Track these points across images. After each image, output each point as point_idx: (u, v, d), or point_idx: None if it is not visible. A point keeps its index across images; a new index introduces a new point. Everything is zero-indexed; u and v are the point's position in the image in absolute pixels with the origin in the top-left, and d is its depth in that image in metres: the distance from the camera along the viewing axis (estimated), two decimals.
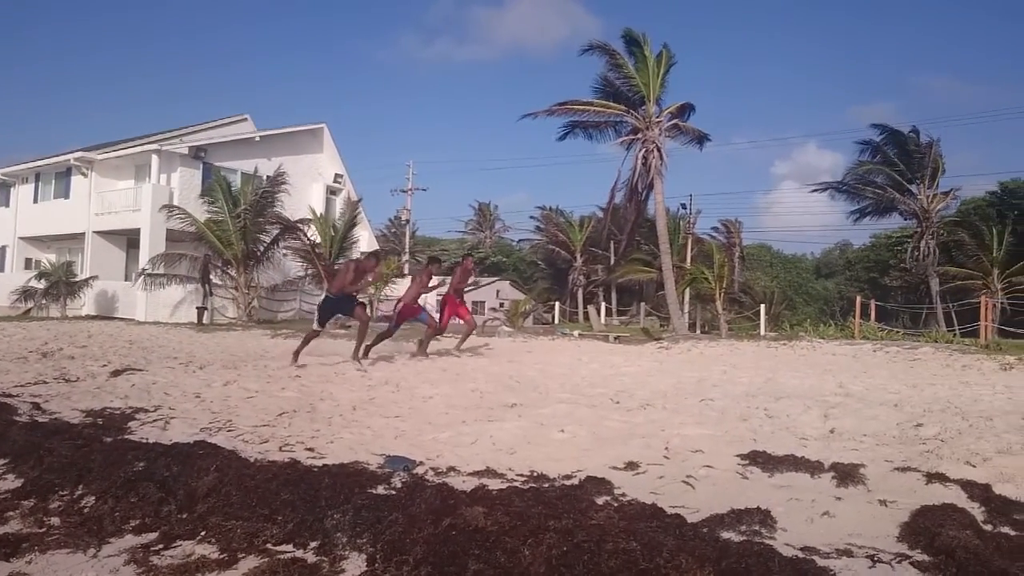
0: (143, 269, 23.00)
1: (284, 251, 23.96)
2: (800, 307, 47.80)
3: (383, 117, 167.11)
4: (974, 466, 4.05)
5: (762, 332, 19.82)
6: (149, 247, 24.60)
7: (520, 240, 60.79)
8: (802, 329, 20.06)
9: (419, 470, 3.88)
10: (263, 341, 14.72)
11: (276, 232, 23.15)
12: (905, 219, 32.65)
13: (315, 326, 9.81)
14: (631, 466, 4.08)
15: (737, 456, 4.26)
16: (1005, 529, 3.17)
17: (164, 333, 16.36)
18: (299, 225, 22.47)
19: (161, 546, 2.73)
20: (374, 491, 3.34)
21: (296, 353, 9.29)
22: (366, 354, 10.08)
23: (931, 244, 29.50)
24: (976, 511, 3.36)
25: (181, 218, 23.14)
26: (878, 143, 29.83)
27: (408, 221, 48.38)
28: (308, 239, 21.96)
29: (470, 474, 3.84)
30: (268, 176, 24.19)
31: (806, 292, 55.32)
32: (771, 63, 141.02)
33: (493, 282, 49.56)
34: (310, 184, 30.44)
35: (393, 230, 57.05)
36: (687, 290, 30.83)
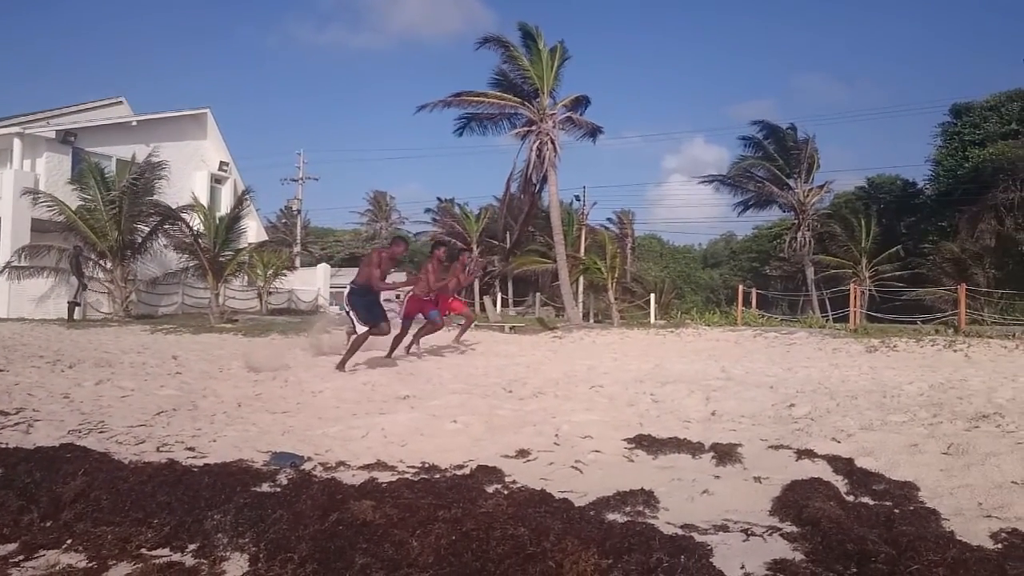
0: (8, 262, 21.32)
1: (165, 242, 22.74)
2: (688, 296, 49.69)
3: (273, 104, 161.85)
4: (839, 442, 4.34)
5: (652, 320, 20.49)
6: (12, 238, 22.82)
7: (418, 233, 60.31)
8: (689, 317, 20.89)
9: (307, 466, 3.79)
10: (142, 337, 13.95)
11: (155, 222, 21.93)
12: (784, 211, 34.55)
13: (358, 328, 8.26)
14: (522, 454, 4.13)
15: (624, 440, 4.39)
16: (865, 499, 3.41)
17: (30, 330, 15.22)
18: (180, 214, 21.35)
19: (22, 557, 2.55)
20: (258, 489, 3.24)
21: (343, 363, 8.14)
22: (389, 353, 9.24)
23: (807, 235, 31.34)
24: (840, 483, 3.60)
25: (48, 206, 21.56)
26: (759, 139, 31.42)
27: (299, 211, 47.07)
28: (191, 229, 20.91)
29: (360, 468, 3.78)
30: (146, 162, 22.88)
31: (694, 281, 57.54)
32: (660, 61, 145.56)
33: (389, 274, 48.94)
34: (193, 172, 29.06)
35: (284, 221, 55.31)
36: (581, 280, 31.47)
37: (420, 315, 10.13)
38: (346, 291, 8.73)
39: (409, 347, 10.17)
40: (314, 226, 62.53)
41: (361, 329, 8.23)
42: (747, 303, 21.37)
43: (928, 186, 36.48)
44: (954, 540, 2.81)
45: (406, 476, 3.61)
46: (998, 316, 21.92)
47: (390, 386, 6.67)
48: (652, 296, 22.55)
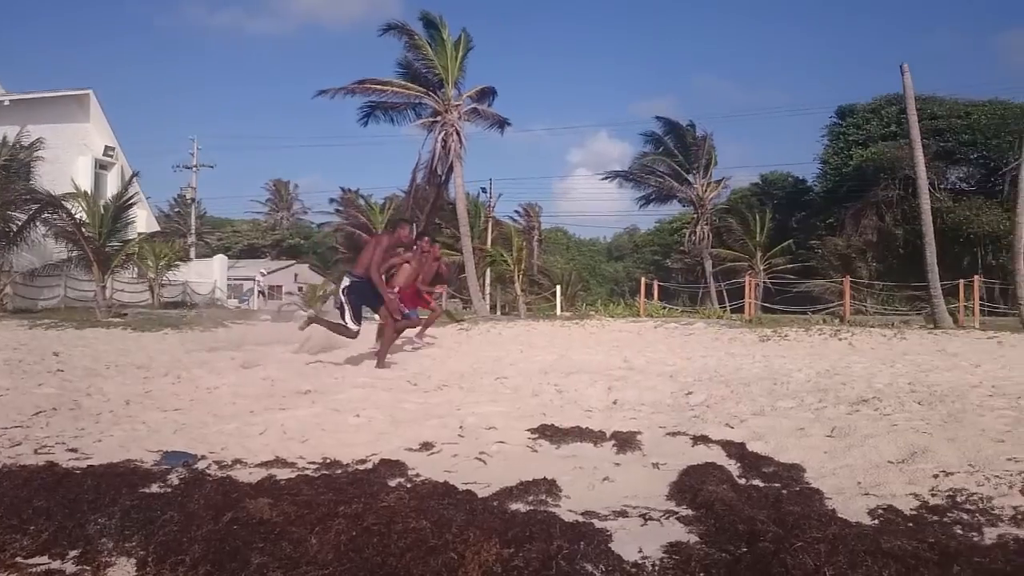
0: None
1: (44, 231, 21.25)
2: (594, 288, 50.64)
3: (164, 88, 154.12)
4: (733, 428, 4.52)
5: (558, 312, 20.77)
6: None
7: (321, 224, 58.92)
8: (594, 309, 21.29)
9: (201, 465, 3.64)
10: (18, 333, 13.05)
11: (32, 209, 20.46)
12: (684, 206, 35.72)
13: (350, 324, 7.60)
14: (426, 446, 4.11)
15: (528, 431, 4.43)
16: (756, 481, 3.56)
17: None
18: (61, 201, 19.97)
19: None
20: (147, 490, 3.09)
21: (382, 365, 7.59)
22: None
23: (706, 229, 32.50)
24: (733, 467, 3.75)
25: None
26: (660, 135, 32.34)
27: (194, 200, 45.14)
28: (73, 217, 19.62)
29: (257, 465, 3.67)
30: (21, 144, 21.28)
31: (599, 274, 58.72)
32: (566, 55, 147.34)
33: (291, 265, 47.72)
34: (76, 157, 27.28)
35: (177, 210, 52.95)
36: (488, 272, 31.58)
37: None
38: (344, 283, 7.84)
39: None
40: (210, 216, 60.16)
41: (351, 326, 7.64)
42: (649, 295, 21.98)
43: (816, 183, 38.47)
44: (835, 517, 2.97)
45: (306, 472, 3.53)
46: (880, 306, 23.40)
47: (291, 381, 6.49)
48: (558, 288, 22.86)
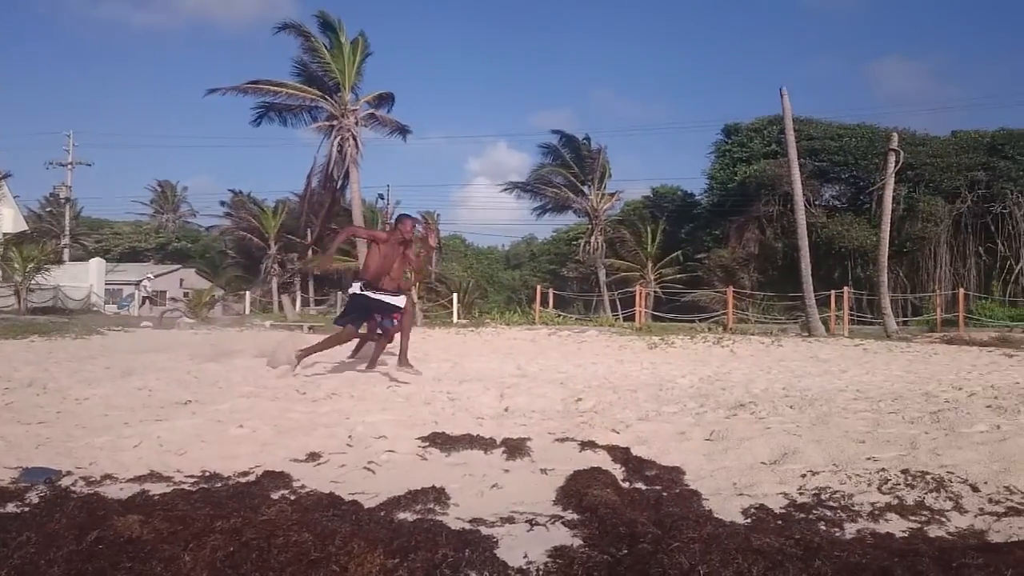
0: None
1: None
2: (492, 295, 50.79)
3: (39, 80, 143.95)
4: (619, 433, 4.65)
5: (455, 319, 20.75)
6: None
7: (210, 226, 56.49)
8: (490, 316, 21.41)
9: (65, 481, 3.41)
10: None
11: None
12: (579, 216, 36.44)
13: (348, 328, 7.35)
14: (313, 457, 4.01)
15: (419, 439, 4.40)
16: (639, 484, 3.67)
17: None
18: None
19: None
20: (2, 510, 2.88)
21: (301, 355, 7.33)
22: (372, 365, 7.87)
23: (600, 240, 33.31)
24: (618, 471, 3.86)
25: None
26: (557, 147, 32.92)
27: (68, 199, 42.40)
28: None
29: (129, 480, 3.48)
30: None
31: (497, 281, 58.98)
32: (467, 64, 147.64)
33: (176, 270, 45.54)
34: None
35: (50, 210, 49.56)
36: None
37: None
38: (354, 288, 7.35)
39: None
40: (87, 216, 56.57)
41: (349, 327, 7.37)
42: (545, 303, 22.31)
43: (704, 198, 40.12)
44: (711, 518, 3.11)
45: (183, 486, 3.38)
46: (760, 315, 24.63)
47: (169, 391, 6.18)
48: (455, 295, 22.84)
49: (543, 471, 3.82)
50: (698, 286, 33.00)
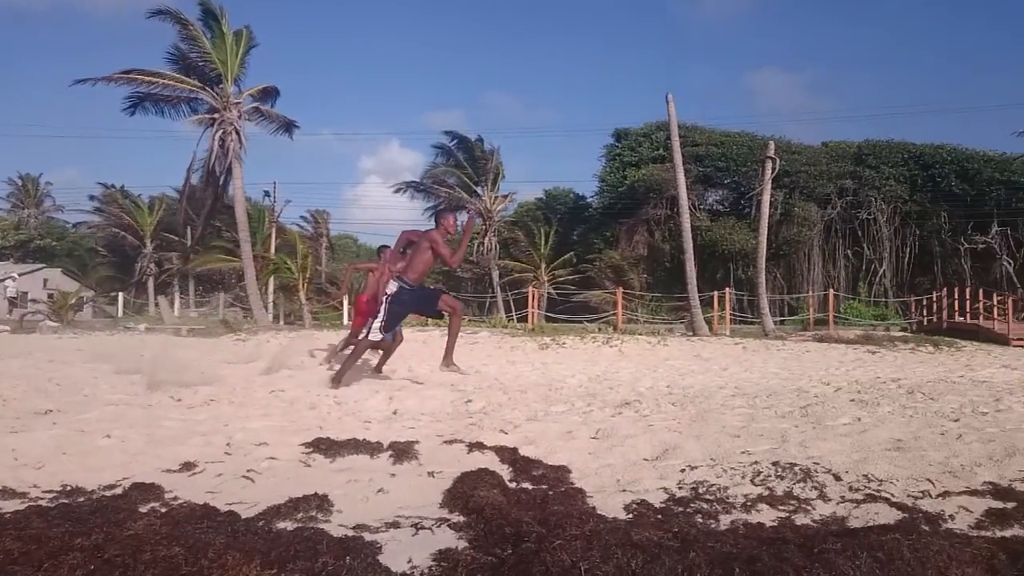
0: None
1: None
2: None
3: None
4: (507, 433, 4.67)
5: (345, 322, 20.31)
6: None
7: (78, 223, 52.87)
8: None
9: None
10: None
11: None
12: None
13: (376, 335, 6.94)
14: (187, 467, 3.82)
15: (302, 445, 4.27)
16: (525, 484, 3.69)
17: None
18: None
19: None
20: None
21: (338, 377, 6.84)
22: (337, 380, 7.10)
23: (494, 240, 33.48)
24: (505, 472, 3.87)
25: None
26: (450, 147, 32.83)
27: None
28: None
29: None
30: None
31: None
32: (358, 62, 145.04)
33: (40, 269, 42.42)
34: None
35: None
36: (272, 281, 30.21)
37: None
38: (392, 289, 6.89)
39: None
40: None
41: (375, 335, 6.96)
42: None
43: (595, 200, 41.02)
44: (594, 514, 3.17)
45: (39, 503, 3.14)
46: (649, 315, 25.41)
47: (27, 400, 5.73)
48: (346, 297, 22.33)
49: (431, 474, 3.79)
50: (590, 287, 33.68)
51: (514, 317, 25.78)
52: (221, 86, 21.52)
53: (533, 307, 21.41)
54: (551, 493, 3.53)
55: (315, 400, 5.92)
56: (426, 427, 4.93)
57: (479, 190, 32.89)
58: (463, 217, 6.81)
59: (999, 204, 30.32)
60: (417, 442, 4.36)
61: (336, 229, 54.03)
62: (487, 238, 32.64)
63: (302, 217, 47.57)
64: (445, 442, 4.44)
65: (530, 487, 3.65)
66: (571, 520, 2.92)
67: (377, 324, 6.92)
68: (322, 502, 3.20)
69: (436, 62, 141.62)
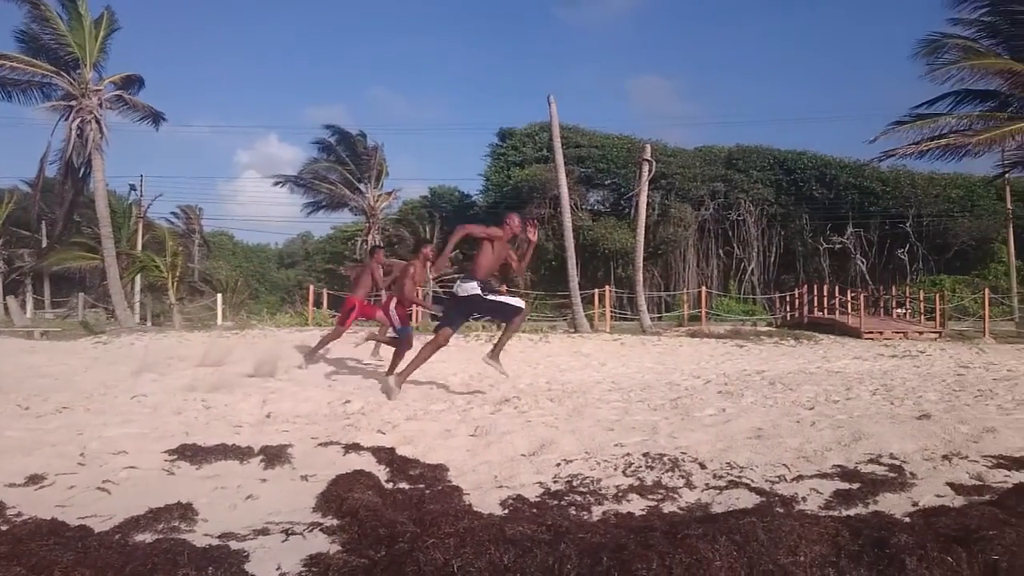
0: None
1: None
2: (263, 296, 48.31)
3: None
4: (385, 433, 4.61)
5: (219, 322, 19.46)
6: None
7: None
8: (258, 318, 20.34)
9: None
10: None
11: None
12: (355, 215, 35.74)
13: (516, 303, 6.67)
14: (34, 480, 3.54)
15: (165, 452, 4.05)
16: (402, 485, 3.66)
17: None
18: None
19: None
20: None
21: (402, 374, 6.67)
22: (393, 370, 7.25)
23: (377, 238, 32.92)
24: (382, 472, 3.82)
25: None
26: (332, 143, 31.95)
27: None
28: None
29: None
30: None
31: (270, 281, 56.19)
32: (232, 53, 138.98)
33: None
34: None
35: None
36: (139, 279, 28.52)
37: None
38: (473, 289, 6.60)
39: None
40: None
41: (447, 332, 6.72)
42: (319, 303, 21.65)
43: (480, 198, 41.24)
44: (470, 511, 3.18)
45: None
46: (533, 313, 25.77)
47: None
48: (219, 296, 21.39)
49: (304, 478, 3.69)
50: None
51: None
52: (79, 72, 19.99)
53: (419, 305, 21.24)
54: (428, 492, 3.51)
55: (181, 405, 5.61)
56: (301, 430, 4.79)
57: (362, 187, 32.22)
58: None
59: (854, 207, 32.82)
60: (291, 445, 4.23)
61: (211, 225, 51.69)
62: (371, 236, 32.04)
63: (172, 213, 45.12)
64: (320, 444, 4.33)
65: (407, 487, 3.62)
66: (446, 518, 2.91)
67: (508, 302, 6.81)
68: (185, 511, 3.06)
69: (317, 55, 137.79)
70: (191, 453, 4.01)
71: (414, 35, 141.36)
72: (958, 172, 32.28)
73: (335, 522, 3.04)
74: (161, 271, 19.28)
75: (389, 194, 33.11)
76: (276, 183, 32.33)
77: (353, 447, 4.21)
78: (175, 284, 19.45)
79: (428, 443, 4.42)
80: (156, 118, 22.13)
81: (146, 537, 2.78)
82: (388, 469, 3.88)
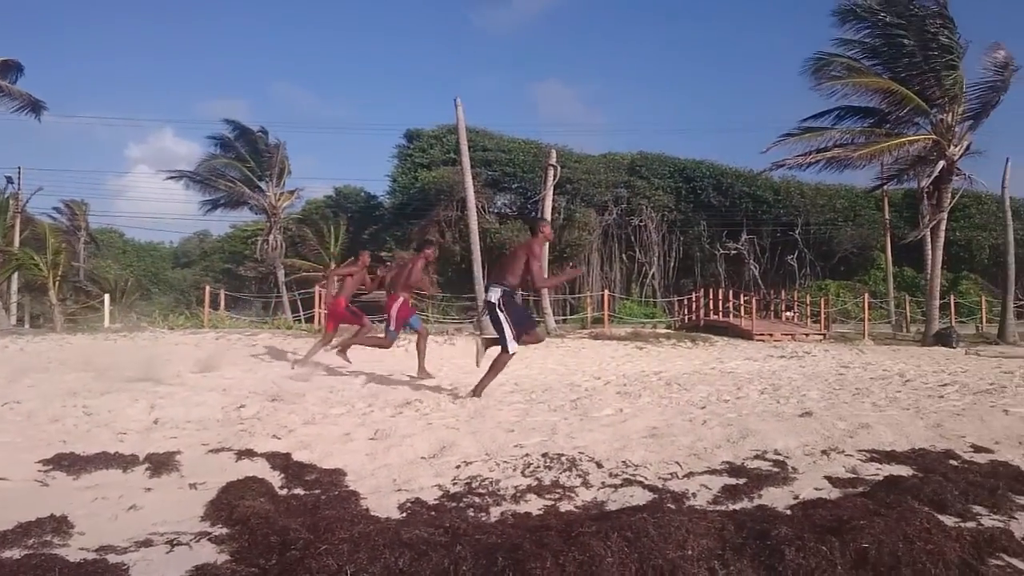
0: None
1: None
2: (156, 296, 46.16)
3: None
4: (280, 439, 4.49)
5: (106, 324, 18.45)
6: None
7: None
8: (149, 320, 19.40)
9: None
10: None
11: None
12: (256, 213, 34.62)
13: (511, 343, 6.44)
14: None
15: (40, 462, 3.81)
16: (298, 491, 3.58)
17: None
18: None
19: None
20: None
21: (480, 387, 6.55)
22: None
23: (279, 238, 32.00)
24: (276, 479, 3.72)
25: None
26: (231, 138, 30.81)
27: None
28: None
29: None
30: None
31: (164, 281, 53.74)
32: (123, 44, 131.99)
33: None
34: None
35: None
36: (15, 278, 26.70)
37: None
38: (493, 296, 6.49)
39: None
40: None
41: (512, 345, 6.48)
42: (216, 304, 20.88)
43: (387, 199, 40.75)
44: (367, 516, 3.14)
45: None
46: (440, 315, 25.67)
47: None
48: (107, 297, 20.27)
49: (192, 486, 3.55)
50: (381, 287, 33.45)
51: (301, 318, 24.87)
52: None
53: (320, 307, 20.81)
54: (324, 498, 3.45)
55: (59, 412, 5.27)
56: (191, 436, 4.59)
57: (263, 185, 31.24)
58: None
59: (748, 215, 34.36)
60: (179, 452, 4.06)
61: (98, 222, 48.95)
62: (272, 235, 31.11)
63: (55, 208, 42.45)
64: (211, 451, 4.17)
65: (302, 493, 3.54)
66: (341, 524, 2.87)
67: (509, 332, 6.52)
68: (60, 524, 2.89)
69: (217, 48, 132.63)
70: (68, 463, 3.79)
71: (320, 29, 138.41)
72: (843, 183, 34.49)
73: (224, 531, 2.94)
74: (41, 269, 18.07)
75: (292, 193, 32.24)
76: (170, 177, 30.88)
77: (246, 453, 4.08)
78: (56, 284, 18.27)
79: (326, 448, 4.33)
80: (36, 107, 20.81)
81: (13, 553, 2.61)
82: (283, 475, 3.78)
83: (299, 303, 29.84)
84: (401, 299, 8.19)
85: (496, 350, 6.65)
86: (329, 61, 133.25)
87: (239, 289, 33.62)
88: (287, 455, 4.08)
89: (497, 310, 6.45)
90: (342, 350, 8.66)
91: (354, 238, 38.66)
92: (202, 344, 11.20)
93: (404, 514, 3.25)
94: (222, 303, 21.38)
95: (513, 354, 6.59)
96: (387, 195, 40.60)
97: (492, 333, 6.92)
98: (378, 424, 4.96)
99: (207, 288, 20.50)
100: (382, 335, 8.47)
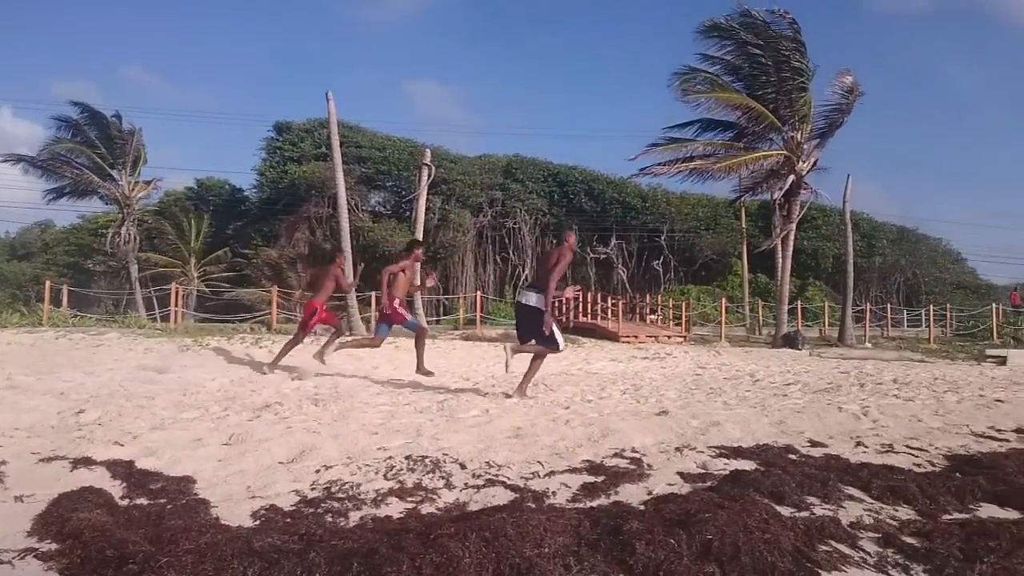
0: None
1: None
2: None
3: None
4: (123, 445, 4.19)
5: None
6: None
7: None
8: None
9: None
10: None
11: None
12: (107, 204, 32.25)
13: (560, 342, 6.90)
14: None
15: None
16: (140, 500, 3.35)
17: None
18: None
19: None
20: None
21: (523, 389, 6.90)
22: None
23: (133, 231, 29.96)
24: (117, 488, 3.47)
25: None
26: (78, 121, 28.49)
27: None
28: None
29: None
30: None
31: None
32: None
33: None
34: None
35: None
36: None
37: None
38: (530, 299, 6.91)
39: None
40: None
41: (562, 343, 6.99)
42: (58, 301, 19.31)
43: (254, 194, 39.11)
44: (216, 525, 2.98)
45: None
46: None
47: None
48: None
49: (19, 499, 3.25)
50: (245, 284, 32.02)
51: (157, 316, 23.44)
52: None
53: (176, 305, 19.71)
54: (170, 507, 3.25)
55: None
56: (20, 444, 4.21)
57: (115, 173, 29.12)
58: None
59: (617, 221, 35.60)
60: (4, 462, 3.71)
61: None
62: (125, 228, 29.09)
63: None
64: (43, 460, 3.84)
65: (146, 503, 3.32)
66: (187, 534, 2.72)
67: (558, 334, 6.92)
68: None
69: (61, 21, 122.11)
70: None
71: (173, 5, 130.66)
72: (705, 193, 36.42)
73: (54, 546, 2.72)
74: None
75: (148, 183, 30.20)
76: (5, 160, 28.16)
77: (83, 461, 3.78)
78: None
79: (174, 454, 4.08)
80: None
81: None
82: (124, 484, 3.54)
83: (154, 300, 28.11)
84: (398, 300, 8.30)
85: (518, 356, 7.05)
86: (189, 47, 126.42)
87: (87, 285, 31.32)
88: (130, 463, 3.82)
89: (544, 315, 6.70)
90: (320, 353, 8.64)
91: (217, 233, 36.86)
92: (39, 344, 10.30)
93: (257, 522, 3.12)
94: (65, 299, 19.77)
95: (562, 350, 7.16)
96: (254, 189, 39.01)
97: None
98: (233, 428, 4.73)
99: (47, 283, 18.91)
100: (371, 336, 8.55)
